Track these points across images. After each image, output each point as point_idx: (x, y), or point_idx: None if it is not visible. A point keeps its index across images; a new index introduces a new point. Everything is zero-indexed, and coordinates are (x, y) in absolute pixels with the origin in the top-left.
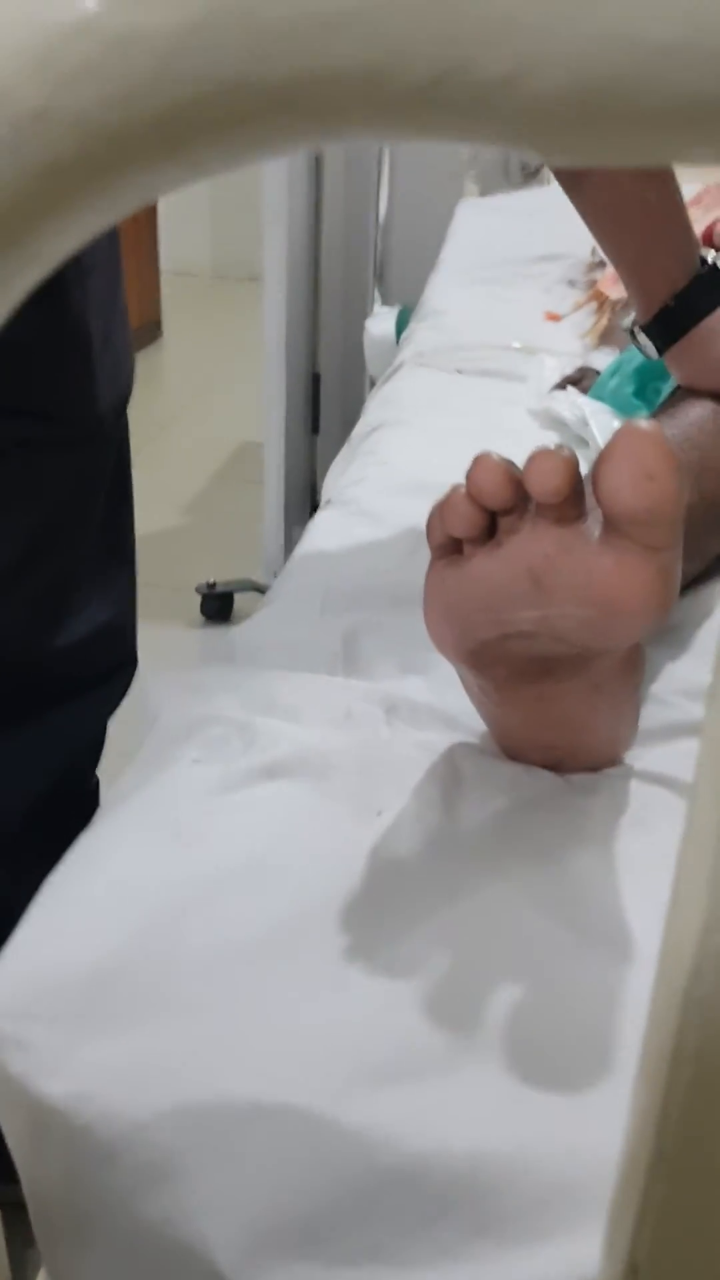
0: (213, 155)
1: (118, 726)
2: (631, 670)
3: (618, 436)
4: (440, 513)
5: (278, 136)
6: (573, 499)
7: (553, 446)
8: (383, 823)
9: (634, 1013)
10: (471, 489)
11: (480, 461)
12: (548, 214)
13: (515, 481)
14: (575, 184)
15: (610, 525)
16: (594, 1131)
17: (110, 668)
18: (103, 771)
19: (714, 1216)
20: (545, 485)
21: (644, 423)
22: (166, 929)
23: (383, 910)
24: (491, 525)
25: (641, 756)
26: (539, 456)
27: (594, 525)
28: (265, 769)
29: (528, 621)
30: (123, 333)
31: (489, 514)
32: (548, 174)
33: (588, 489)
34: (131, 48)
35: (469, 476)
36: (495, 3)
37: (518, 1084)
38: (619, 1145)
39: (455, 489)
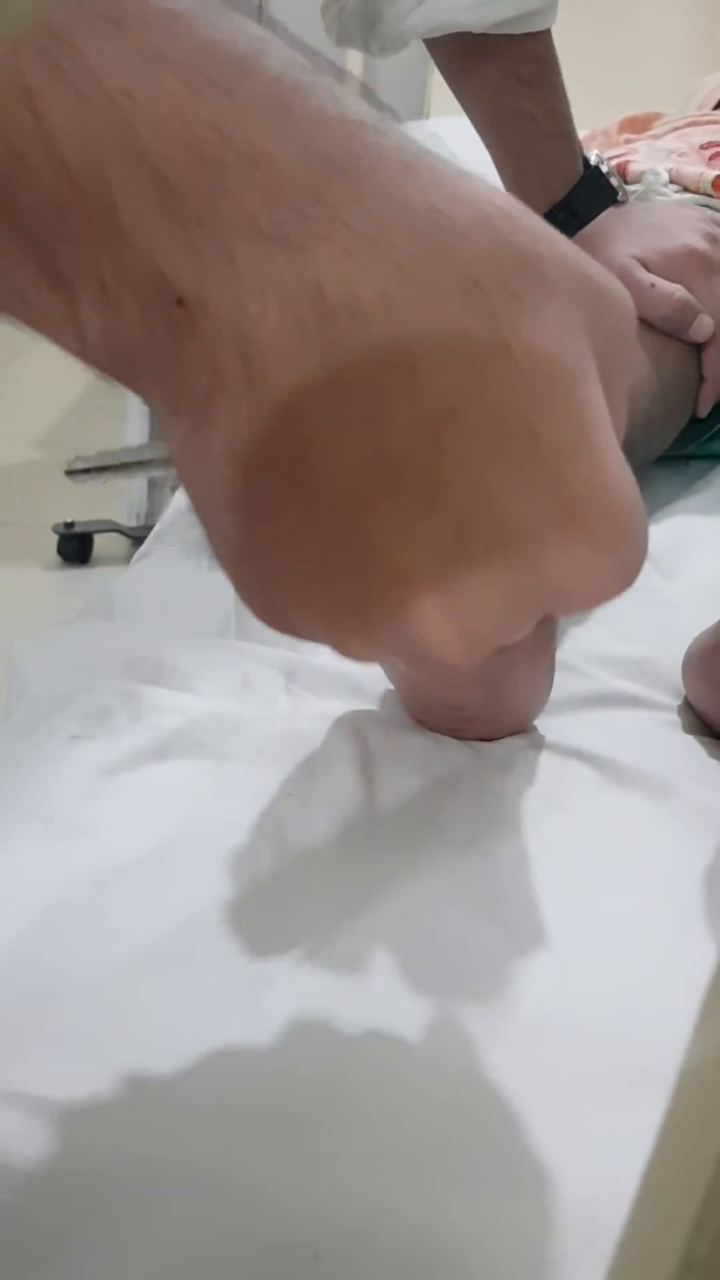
0: None
1: None
2: (546, 623)
3: None
4: None
5: None
6: None
7: None
8: (290, 809)
9: (579, 1033)
10: None
11: None
12: (428, 147)
13: None
14: (459, 87)
15: None
16: (563, 1180)
17: None
18: None
19: None
20: None
21: None
22: (39, 942)
23: (296, 912)
24: None
25: (551, 726)
26: None
27: None
28: (156, 748)
29: None
30: None
31: None
32: (429, 107)
33: None
34: None
35: None
36: None
37: (467, 1137)
38: (590, 1199)
39: None
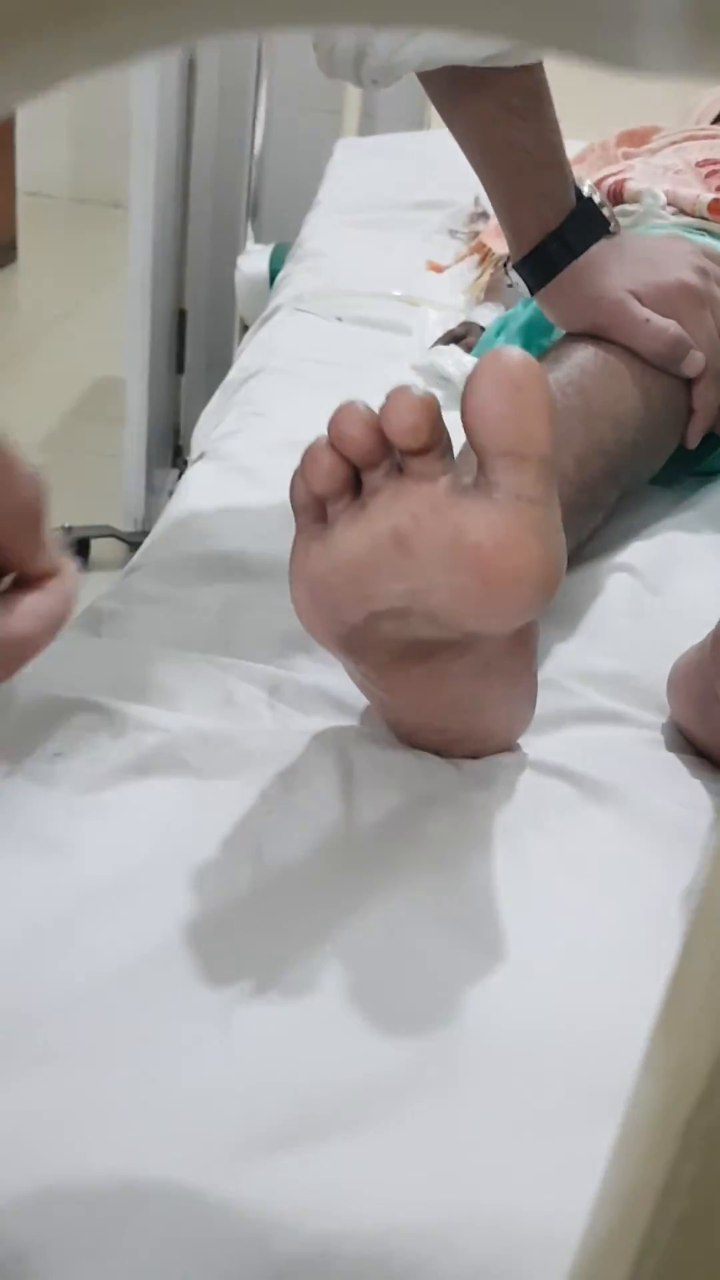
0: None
1: None
2: (523, 645)
3: (484, 358)
4: (302, 467)
5: None
6: (438, 451)
7: (411, 387)
8: (269, 827)
9: (551, 1052)
10: (333, 436)
11: (342, 409)
12: (429, 159)
13: (379, 431)
14: (450, 117)
15: (481, 471)
16: (525, 1196)
17: None
18: None
19: None
20: (402, 422)
21: (510, 348)
22: (17, 960)
23: (273, 929)
24: (357, 486)
25: (535, 744)
26: (394, 394)
27: (466, 486)
28: (138, 765)
29: (396, 596)
30: None
31: (353, 469)
32: (429, 118)
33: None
34: None
35: (331, 424)
36: None
37: (434, 1143)
38: (551, 1216)
39: (318, 439)
